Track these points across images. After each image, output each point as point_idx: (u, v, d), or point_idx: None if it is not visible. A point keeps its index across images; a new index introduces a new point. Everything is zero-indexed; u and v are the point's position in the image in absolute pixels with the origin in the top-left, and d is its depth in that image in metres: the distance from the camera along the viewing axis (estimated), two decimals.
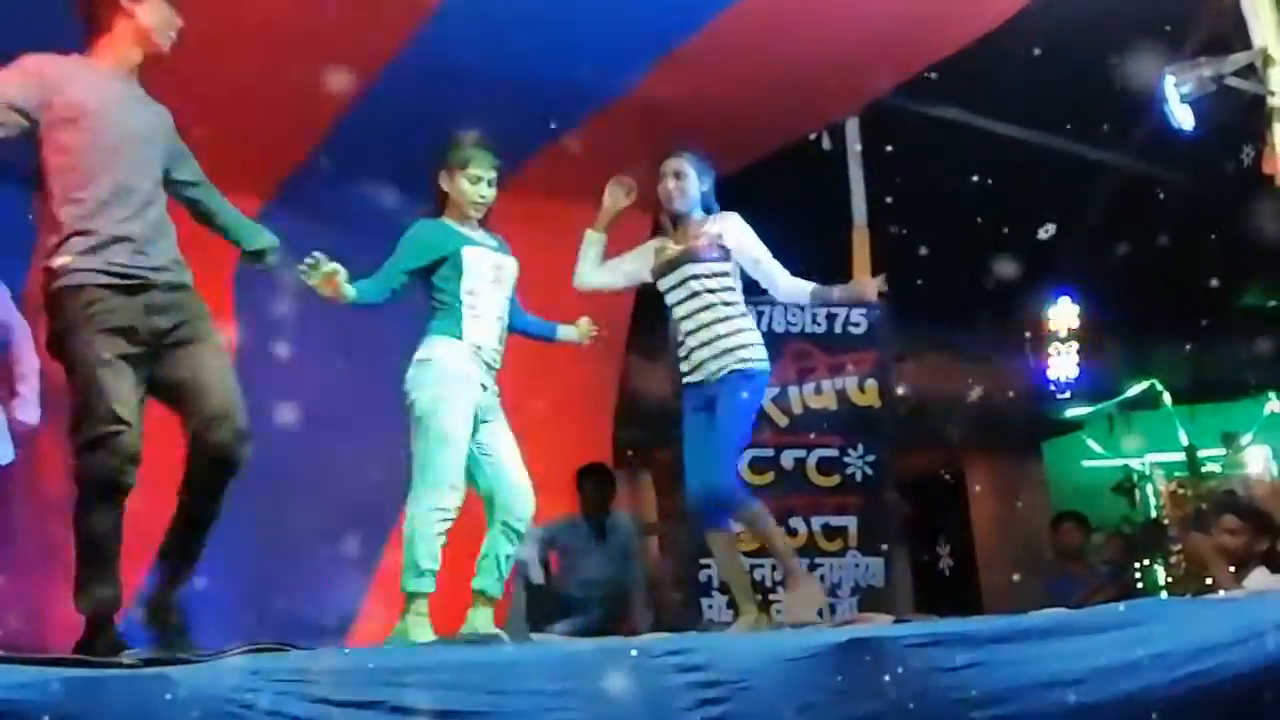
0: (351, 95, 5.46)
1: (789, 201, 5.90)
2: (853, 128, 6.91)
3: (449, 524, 4.16)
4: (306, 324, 6.10)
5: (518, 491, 4.33)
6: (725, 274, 4.72)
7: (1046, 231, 7.10)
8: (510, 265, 4.57)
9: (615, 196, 4.86)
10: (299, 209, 6.12)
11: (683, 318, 4.75)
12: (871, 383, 6.47)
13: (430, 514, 4.13)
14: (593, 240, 4.93)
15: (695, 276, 4.70)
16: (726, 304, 4.70)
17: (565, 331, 4.93)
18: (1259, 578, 4.97)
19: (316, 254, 4.18)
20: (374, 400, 6.22)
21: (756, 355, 4.65)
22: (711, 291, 4.70)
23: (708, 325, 4.68)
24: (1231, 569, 5.15)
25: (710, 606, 6.11)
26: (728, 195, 4.88)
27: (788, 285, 4.82)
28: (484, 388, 4.37)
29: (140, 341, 3.54)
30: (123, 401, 3.44)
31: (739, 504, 4.61)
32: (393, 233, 5.82)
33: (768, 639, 3.62)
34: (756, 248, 4.79)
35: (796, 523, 6.26)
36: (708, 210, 4.83)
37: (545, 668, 2.68)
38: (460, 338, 4.34)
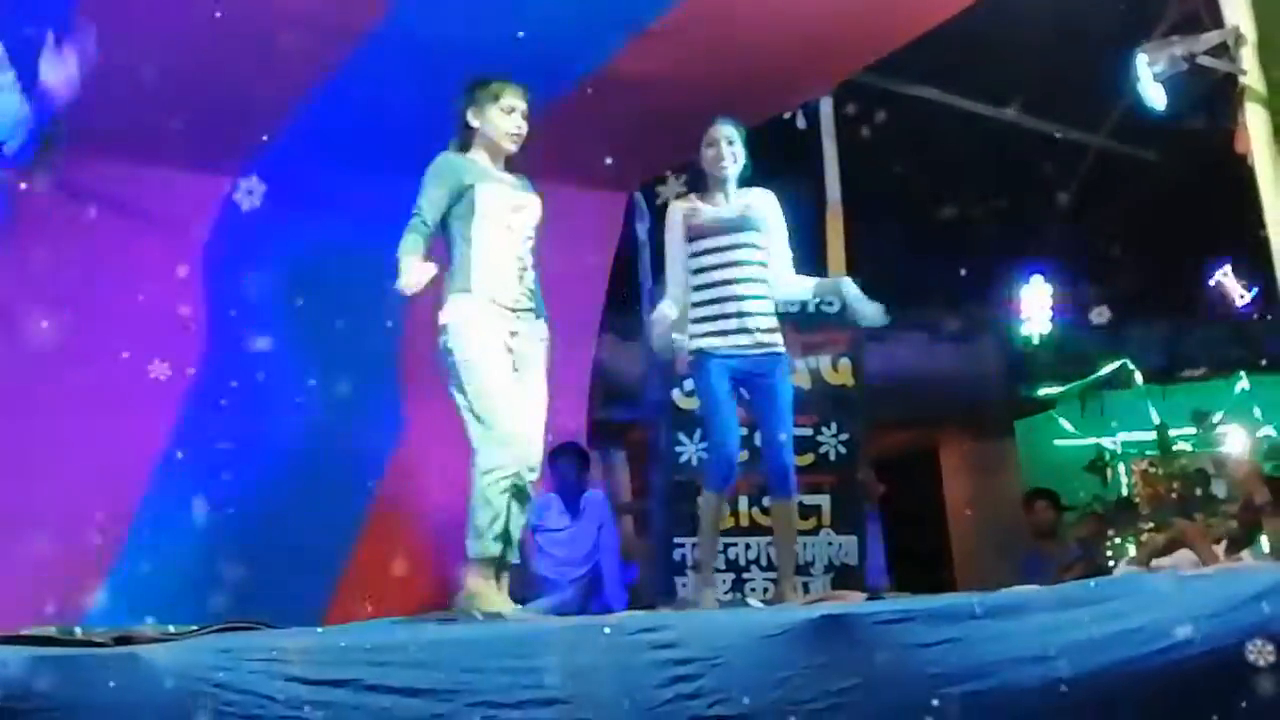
0: (324, 71, 5.43)
1: (763, 180, 5.88)
2: (827, 107, 6.90)
3: (508, 482, 4.06)
4: (276, 299, 6.10)
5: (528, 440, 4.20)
6: (764, 248, 4.74)
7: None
8: (532, 205, 4.39)
9: None
10: (271, 185, 6.08)
11: (728, 281, 4.67)
12: (845, 362, 6.46)
13: (484, 476, 4.04)
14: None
15: (752, 245, 4.69)
16: (765, 280, 4.73)
17: None
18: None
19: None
20: (350, 373, 6.26)
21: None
22: (761, 264, 4.71)
23: (759, 298, 4.67)
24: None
25: (684, 585, 6.11)
26: (703, 174, 4.87)
27: (790, 280, 4.82)
28: (513, 334, 4.23)
29: None
30: None
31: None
32: (364, 208, 5.81)
33: (741, 616, 3.62)
34: (781, 234, 4.80)
35: None
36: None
37: (519, 645, 2.68)
38: (470, 291, 4.18)
